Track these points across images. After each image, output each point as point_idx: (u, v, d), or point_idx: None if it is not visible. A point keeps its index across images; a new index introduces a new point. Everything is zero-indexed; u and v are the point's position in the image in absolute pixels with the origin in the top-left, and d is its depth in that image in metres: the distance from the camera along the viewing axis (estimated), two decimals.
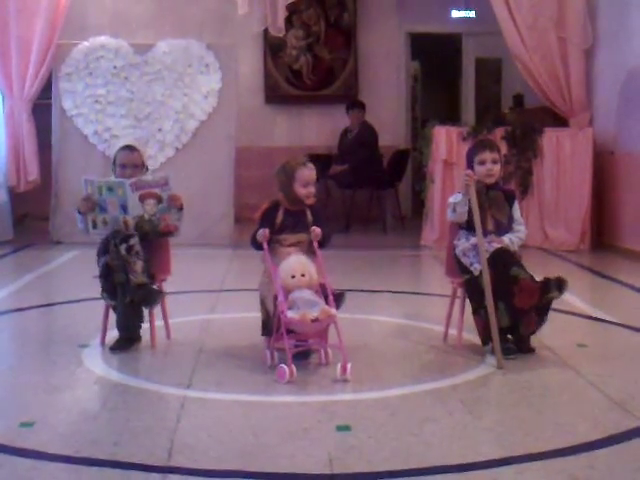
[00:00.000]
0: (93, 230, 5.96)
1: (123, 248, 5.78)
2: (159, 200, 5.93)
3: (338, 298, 5.59)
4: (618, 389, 5.16)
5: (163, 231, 6.02)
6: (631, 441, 4.31)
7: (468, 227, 5.92)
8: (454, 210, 5.87)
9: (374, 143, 13.11)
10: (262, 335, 5.82)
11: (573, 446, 4.22)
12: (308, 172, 5.78)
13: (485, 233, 5.83)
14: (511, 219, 6.01)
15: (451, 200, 5.92)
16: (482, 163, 5.96)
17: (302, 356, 5.66)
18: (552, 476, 3.89)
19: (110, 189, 5.85)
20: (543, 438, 4.36)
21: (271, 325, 5.59)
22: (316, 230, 5.69)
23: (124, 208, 5.84)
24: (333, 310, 5.36)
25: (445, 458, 4.11)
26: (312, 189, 5.80)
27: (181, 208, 6.03)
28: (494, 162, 5.97)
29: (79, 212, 5.97)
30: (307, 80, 14.29)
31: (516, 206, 6.07)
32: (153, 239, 6.03)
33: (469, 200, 5.74)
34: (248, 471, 3.96)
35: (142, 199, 5.85)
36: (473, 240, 5.84)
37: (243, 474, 3.93)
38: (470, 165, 6.02)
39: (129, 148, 6.12)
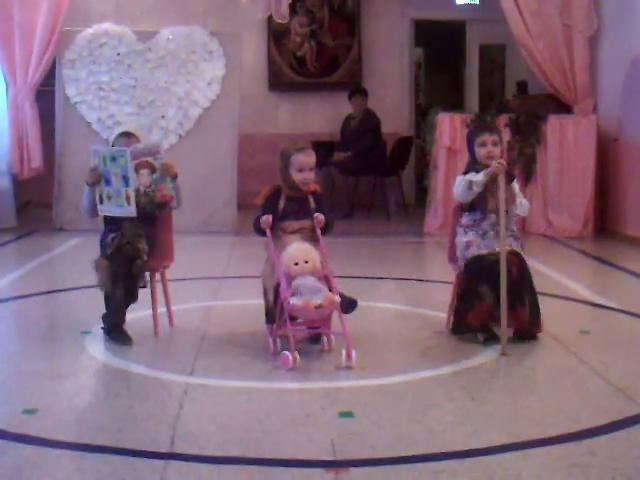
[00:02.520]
0: (100, 206, 5.92)
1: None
2: (152, 169, 5.87)
3: (349, 305, 5.57)
4: (621, 376, 5.16)
5: (159, 202, 5.92)
6: (633, 428, 4.32)
7: (470, 208, 5.93)
8: (470, 187, 5.84)
9: (377, 130, 13.09)
10: (266, 323, 5.82)
11: (575, 432, 4.23)
12: (303, 157, 5.74)
13: (486, 212, 5.87)
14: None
15: (469, 177, 5.87)
16: (483, 145, 5.96)
17: (312, 340, 5.67)
18: (554, 462, 3.90)
19: (113, 158, 5.82)
20: (545, 424, 4.37)
21: (274, 313, 5.59)
22: (319, 217, 5.68)
23: (125, 180, 5.79)
24: (337, 297, 5.36)
25: (448, 444, 4.12)
26: (309, 175, 5.76)
27: (175, 177, 5.95)
28: (494, 144, 5.96)
29: (87, 184, 5.96)
30: (311, 67, 14.27)
31: (514, 186, 6.05)
32: (151, 213, 5.98)
33: (489, 187, 5.78)
34: (251, 457, 3.97)
35: (136, 169, 5.79)
36: (486, 247, 5.86)
37: (246, 460, 3.94)
38: (471, 148, 6.03)
39: (127, 135, 6.08)
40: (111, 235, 5.85)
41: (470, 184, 5.84)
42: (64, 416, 4.54)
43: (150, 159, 5.88)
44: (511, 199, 5.87)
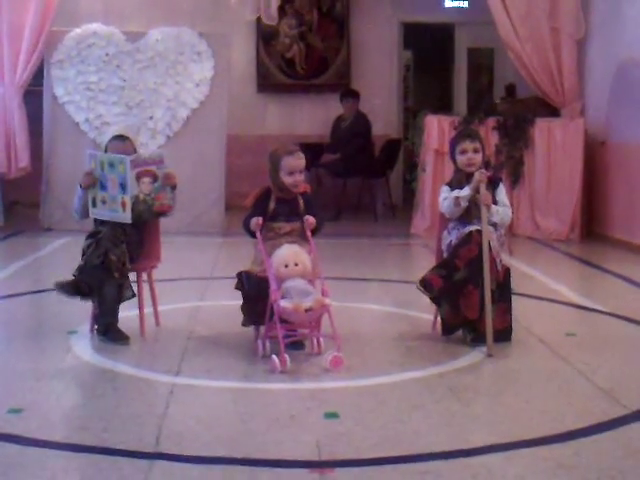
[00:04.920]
0: (92, 209, 5.94)
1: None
2: (155, 178, 5.91)
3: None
4: (606, 378, 5.18)
5: (157, 211, 5.99)
6: (618, 429, 4.34)
7: (460, 218, 5.94)
8: (458, 204, 5.86)
9: (367, 133, 13.09)
10: (242, 324, 5.87)
11: (560, 434, 4.25)
12: (294, 161, 5.74)
13: (471, 219, 5.89)
14: (496, 203, 5.98)
15: (455, 194, 5.90)
16: (463, 152, 5.98)
17: (297, 346, 5.67)
18: (539, 463, 3.91)
19: (112, 165, 5.84)
20: (531, 426, 4.39)
21: (256, 314, 5.60)
22: (310, 219, 5.68)
23: (123, 187, 5.81)
24: (327, 300, 5.36)
25: (433, 445, 4.13)
26: (299, 177, 5.76)
27: (174, 187, 6.02)
28: (475, 151, 5.98)
29: (81, 187, 5.96)
30: (299, 69, 14.26)
31: (501, 189, 6.06)
32: (147, 221, 6.02)
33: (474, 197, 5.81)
34: (236, 458, 3.97)
35: (138, 177, 5.83)
36: (465, 230, 5.87)
37: (231, 461, 3.94)
38: (453, 155, 6.06)
39: (120, 138, 6.10)
40: (88, 241, 5.87)
41: (457, 201, 5.86)
42: (50, 416, 4.54)
43: (153, 168, 5.91)
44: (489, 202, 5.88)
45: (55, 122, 11.43)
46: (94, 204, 5.94)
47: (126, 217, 5.84)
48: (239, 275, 5.77)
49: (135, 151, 6.07)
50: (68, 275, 5.85)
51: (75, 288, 5.77)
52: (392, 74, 14.52)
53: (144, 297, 6.14)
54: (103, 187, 5.89)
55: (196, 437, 4.22)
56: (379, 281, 8.27)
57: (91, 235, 5.93)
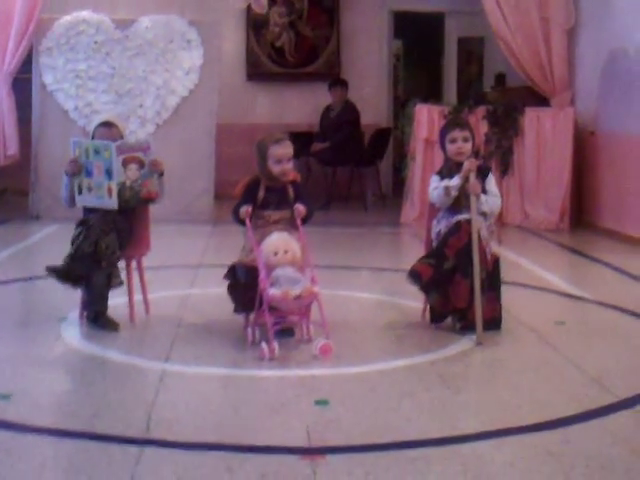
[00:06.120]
0: (78, 196, 5.94)
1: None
2: (141, 165, 5.89)
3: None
4: (595, 366, 5.19)
5: (144, 197, 5.97)
6: (607, 417, 4.36)
7: (450, 207, 5.94)
8: (448, 194, 5.87)
9: (356, 122, 13.08)
10: (234, 311, 5.86)
11: (549, 421, 4.26)
12: (281, 149, 5.72)
13: (460, 209, 5.89)
14: (485, 193, 5.98)
15: (445, 183, 5.90)
16: (453, 141, 5.99)
17: (286, 334, 5.67)
18: (528, 450, 3.93)
19: (97, 151, 5.83)
20: (520, 413, 4.41)
21: (245, 301, 5.60)
22: (299, 208, 5.67)
23: (109, 173, 5.80)
24: (316, 287, 5.36)
25: (423, 432, 4.14)
26: (287, 166, 5.74)
27: (162, 174, 6.01)
28: (465, 140, 5.98)
29: (66, 174, 5.96)
30: (289, 57, 14.24)
31: (490, 179, 6.06)
32: (135, 208, 6.02)
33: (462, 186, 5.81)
34: (226, 444, 3.98)
35: (125, 164, 5.81)
36: (454, 219, 5.87)
37: (221, 447, 3.95)
38: (443, 144, 6.06)
39: (107, 124, 6.09)
40: (78, 229, 5.87)
41: (447, 190, 5.87)
42: (39, 401, 4.54)
43: (140, 154, 5.89)
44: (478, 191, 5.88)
45: (44, 110, 11.39)
46: (80, 191, 5.93)
47: (112, 203, 5.82)
48: (232, 268, 5.76)
49: (122, 137, 6.05)
50: (57, 263, 5.84)
51: (66, 275, 5.77)
52: (382, 63, 14.49)
53: (134, 284, 6.13)
54: (89, 173, 5.88)
55: (186, 424, 4.22)
56: (369, 269, 8.28)
57: (81, 223, 5.92)
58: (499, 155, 10.92)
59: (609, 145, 10.34)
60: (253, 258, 5.54)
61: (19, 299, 7.19)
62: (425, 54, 17.30)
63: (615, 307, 6.66)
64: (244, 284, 5.60)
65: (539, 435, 4.11)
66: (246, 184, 5.81)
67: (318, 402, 4.52)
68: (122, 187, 5.83)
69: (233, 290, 5.77)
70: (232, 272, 5.74)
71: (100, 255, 5.75)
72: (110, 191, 5.81)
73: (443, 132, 6.11)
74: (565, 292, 7.28)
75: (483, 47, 14.97)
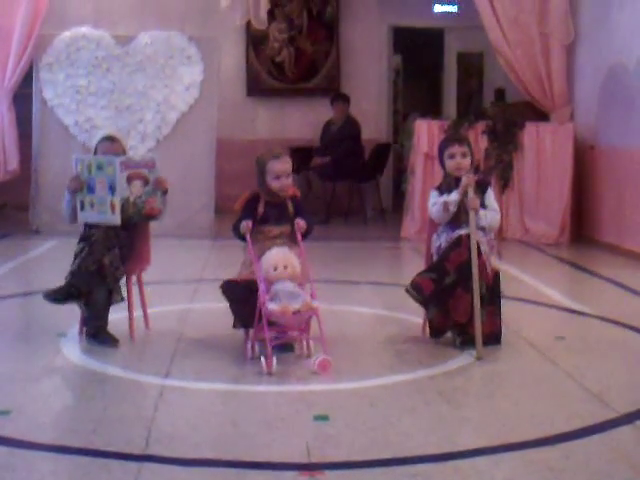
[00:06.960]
0: (81, 213, 5.94)
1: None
2: (145, 182, 5.90)
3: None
4: (595, 381, 5.18)
5: (147, 214, 5.98)
6: (607, 432, 4.34)
7: (449, 222, 5.94)
8: (446, 210, 5.87)
9: (357, 137, 13.11)
10: (233, 327, 5.84)
11: (550, 437, 4.25)
12: (279, 165, 5.72)
13: (460, 223, 5.88)
14: (484, 207, 5.98)
15: (443, 199, 5.91)
16: (452, 157, 5.99)
17: (286, 348, 5.66)
18: (529, 466, 3.92)
19: (100, 167, 5.83)
20: (520, 429, 4.39)
21: (242, 312, 5.60)
22: (300, 223, 5.67)
23: (112, 189, 5.80)
24: (315, 303, 5.36)
25: (423, 448, 4.13)
26: (286, 181, 5.74)
27: (165, 192, 6.02)
28: (463, 156, 5.98)
29: (68, 191, 5.96)
30: (289, 73, 14.27)
31: (489, 193, 6.06)
32: (136, 223, 6.02)
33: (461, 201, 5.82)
34: (225, 460, 3.97)
35: (129, 180, 5.82)
36: (454, 234, 5.87)
37: (220, 463, 3.94)
38: (441, 159, 6.06)
39: (110, 139, 6.10)
40: (80, 244, 5.87)
41: (446, 206, 5.87)
42: (38, 417, 4.52)
43: (144, 171, 5.90)
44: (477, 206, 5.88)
45: (44, 125, 11.42)
46: (82, 208, 5.94)
47: (115, 219, 5.82)
48: (229, 282, 5.75)
49: (124, 152, 6.07)
50: (57, 278, 5.84)
51: (66, 293, 5.76)
52: (382, 78, 14.53)
53: (134, 300, 6.12)
54: (91, 190, 5.88)
55: (185, 439, 4.21)
56: (369, 284, 8.27)
57: (83, 239, 5.92)
58: (499, 170, 10.92)
59: (609, 159, 10.35)
60: (252, 271, 5.54)
61: (19, 314, 7.19)
62: (425, 69, 17.32)
63: (616, 322, 6.65)
64: (243, 299, 5.59)
65: (539, 451, 4.09)
66: (246, 199, 5.81)
67: (317, 417, 4.51)
68: (125, 203, 5.83)
69: (232, 305, 5.76)
70: (230, 287, 5.73)
71: (104, 272, 5.75)
72: (113, 207, 5.81)
73: (442, 147, 6.10)
74: (565, 307, 7.27)
75: (483, 62, 15.01)
